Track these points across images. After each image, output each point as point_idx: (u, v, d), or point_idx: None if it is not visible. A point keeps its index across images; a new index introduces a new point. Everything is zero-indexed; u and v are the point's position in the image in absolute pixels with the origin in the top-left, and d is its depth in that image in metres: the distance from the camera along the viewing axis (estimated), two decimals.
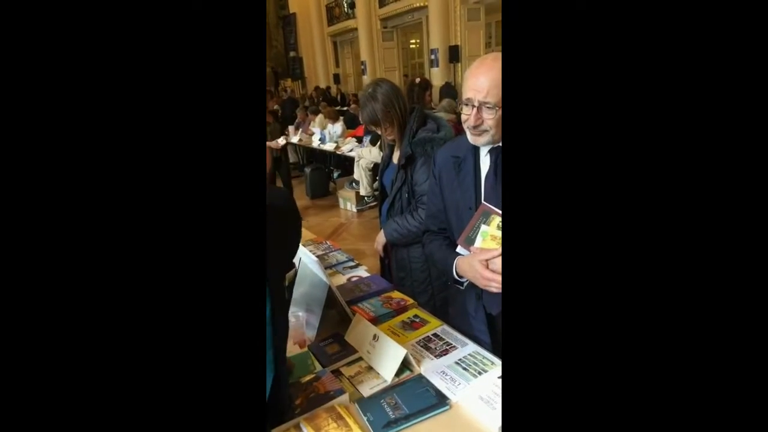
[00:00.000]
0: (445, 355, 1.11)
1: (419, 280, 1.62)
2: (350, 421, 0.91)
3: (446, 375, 1.03)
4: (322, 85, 12.50)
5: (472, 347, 1.13)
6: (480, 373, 1.02)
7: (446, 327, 1.24)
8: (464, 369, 1.05)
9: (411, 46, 11.26)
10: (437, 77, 8.56)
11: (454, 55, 8.84)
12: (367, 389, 1.01)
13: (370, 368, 1.08)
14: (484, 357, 1.08)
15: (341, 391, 0.99)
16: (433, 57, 9.16)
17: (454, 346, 1.14)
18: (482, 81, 0.97)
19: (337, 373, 1.06)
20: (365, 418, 0.91)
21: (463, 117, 1.03)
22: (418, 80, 3.42)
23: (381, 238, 1.69)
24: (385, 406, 0.94)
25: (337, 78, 13.27)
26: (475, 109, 0.99)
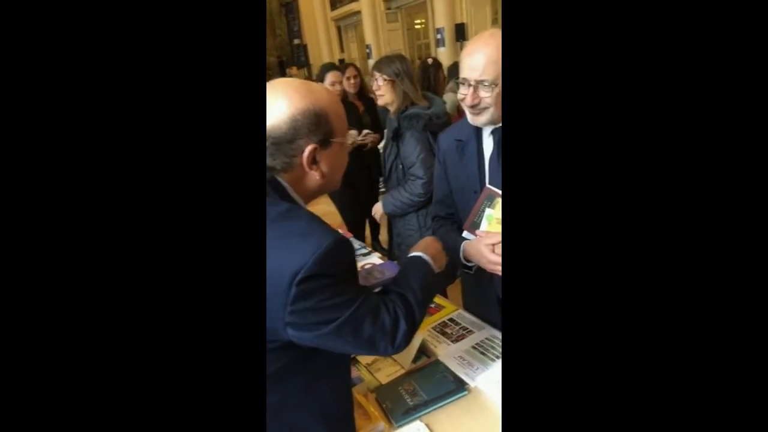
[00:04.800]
0: (461, 339, 1.11)
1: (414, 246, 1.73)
2: (369, 409, 0.91)
3: (464, 360, 1.03)
4: None
5: (489, 331, 1.12)
6: (498, 357, 1.01)
7: (462, 311, 1.23)
8: (482, 353, 1.04)
9: (416, 26, 11.02)
10: (444, 57, 8.38)
11: (460, 33, 8.64)
12: (385, 376, 1.01)
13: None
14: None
15: (359, 379, 0.99)
16: (439, 36, 8.96)
17: (471, 331, 1.13)
18: (478, 58, 0.93)
19: (353, 361, 1.06)
20: (384, 406, 0.91)
21: (460, 96, 1.00)
22: (430, 61, 3.32)
23: (378, 208, 1.84)
24: (403, 393, 0.94)
25: (342, 63, 13.14)
26: (471, 88, 0.96)
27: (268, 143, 0.66)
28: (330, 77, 2.41)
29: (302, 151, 0.68)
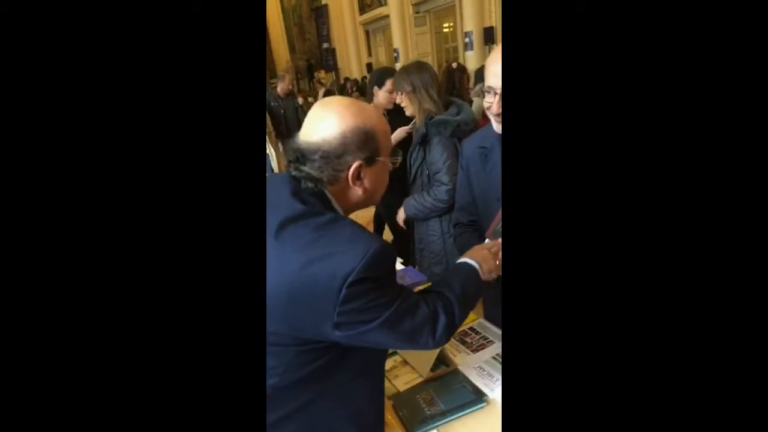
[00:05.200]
0: (482, 349, 1.09)
1: (435, 251, 1.73)
2: (386, 417, 0.91)
3: (483, 370, 1.01)
4: (354, 75, 12.47)
5: None
6: None
7: (483, 321, 1.21)
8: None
9: (444, 29, 10.96)
10: (472, 61, 8.31)
11: (489, 36, 8.54)
12: (402, 384, 1.00)
13: (405, 363, 1.07)
14: None
15: None
16: (467, 40, 8.88)
17: (491, 341, 1.11)
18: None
19: None
20: (400, 414, 0.91)
21: (486, 104, 0.99)
22: (455, 65, 3.29)
23: (402, 212, 1.81)
24: (421, 401, 0.93)
25: (369, 67, 13.18)
26: (497, 96, 0.95)
27: (317, 156, 0.70)
28: (390, 84, 2.11)
29: (349, 166, 0.71)
